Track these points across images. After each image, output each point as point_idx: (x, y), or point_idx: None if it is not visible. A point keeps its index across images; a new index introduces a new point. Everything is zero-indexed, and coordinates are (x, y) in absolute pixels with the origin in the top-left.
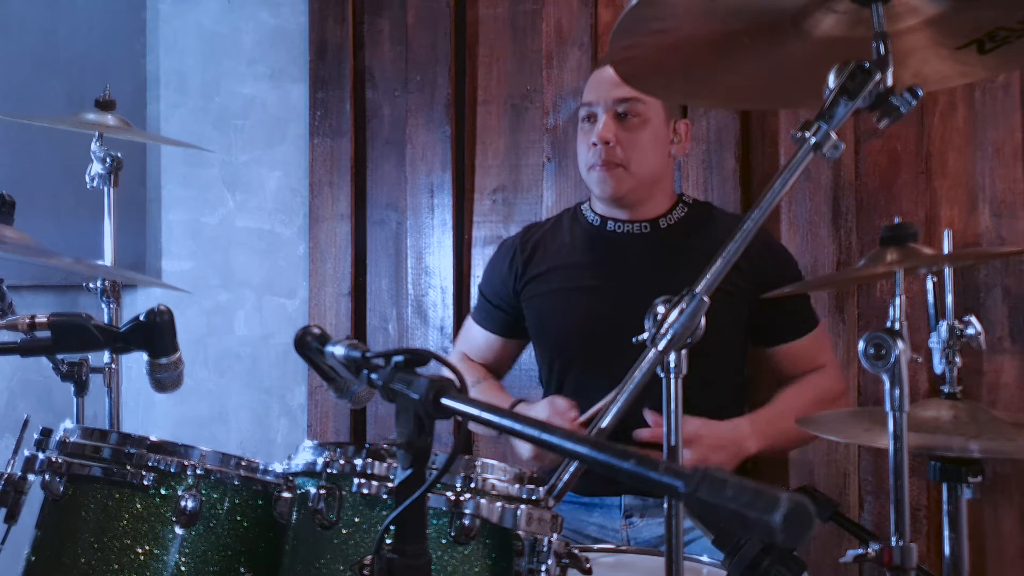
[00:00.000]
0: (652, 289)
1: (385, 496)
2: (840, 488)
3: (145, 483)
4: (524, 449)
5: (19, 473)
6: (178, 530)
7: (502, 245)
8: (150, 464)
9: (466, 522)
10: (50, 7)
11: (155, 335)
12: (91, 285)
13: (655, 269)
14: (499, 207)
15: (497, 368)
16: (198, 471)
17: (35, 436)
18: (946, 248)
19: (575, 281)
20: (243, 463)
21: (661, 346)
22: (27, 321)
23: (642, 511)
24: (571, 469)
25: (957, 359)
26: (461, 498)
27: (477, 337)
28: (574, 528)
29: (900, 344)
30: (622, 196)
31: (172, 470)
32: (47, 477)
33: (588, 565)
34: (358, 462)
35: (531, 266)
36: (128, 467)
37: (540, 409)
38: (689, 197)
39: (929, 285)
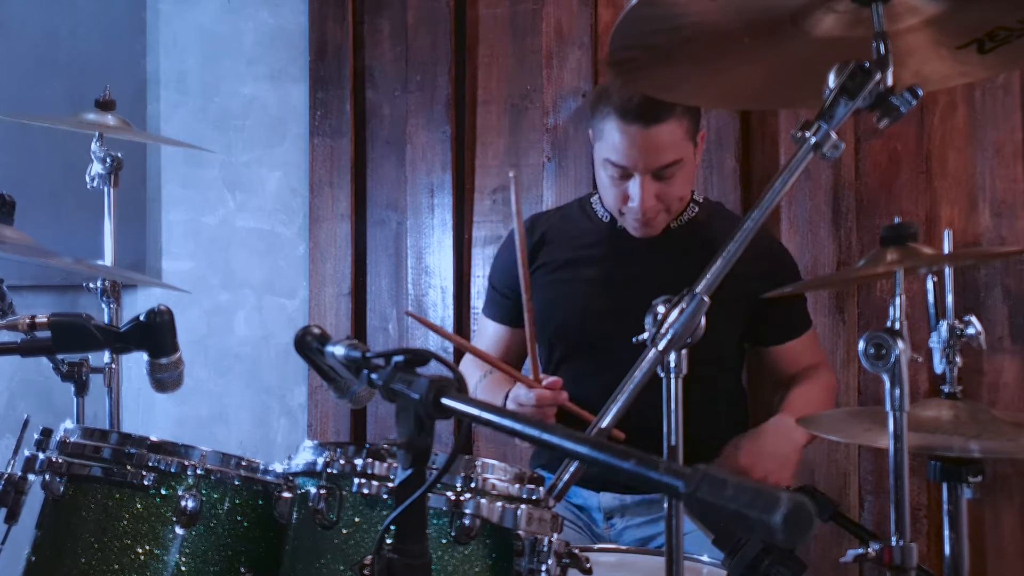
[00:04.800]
0: (656, 287)
1: (385, 496)
2: (840, 488)
3: (145, 483)
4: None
5: (19, 473)
6: (178, 530)
7: (511, 234)
8: (150, 464)
9: (466, 522)
10: (50, 7)
11: (155, 335)
12: (91, 285)
13: (661, 268)
14: (499, 207)
15: (511, 361)
16: (198, 471)
17: (35, 436)
18: (946, 248)
19: (582, 273)
20: (243, 463)
21: (661, 346)
22: (27, 321)
23: (622, 511)
24: (571, 469)
25: (957, 359)
26: (461, 498)
27: (489, 331)
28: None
29: (900, 344)
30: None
31: (172, 470)
32: (47, 477)
33: (588, 565)
34: (358, 462)
35: (539, 255)
36: (128, 467)
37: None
38: (700, 196)
39: (929, 285)
